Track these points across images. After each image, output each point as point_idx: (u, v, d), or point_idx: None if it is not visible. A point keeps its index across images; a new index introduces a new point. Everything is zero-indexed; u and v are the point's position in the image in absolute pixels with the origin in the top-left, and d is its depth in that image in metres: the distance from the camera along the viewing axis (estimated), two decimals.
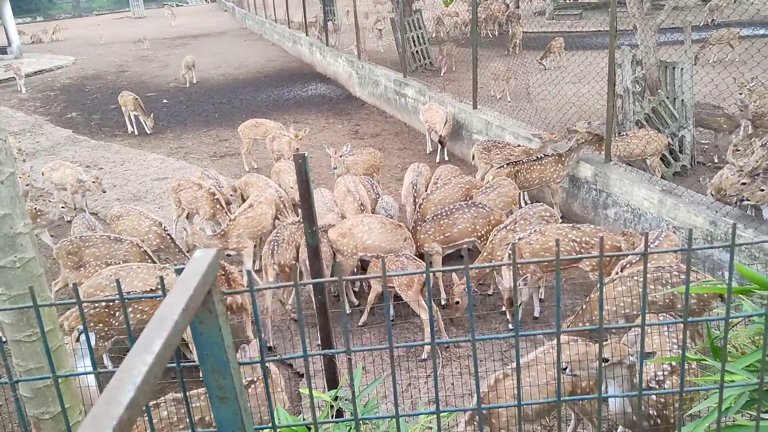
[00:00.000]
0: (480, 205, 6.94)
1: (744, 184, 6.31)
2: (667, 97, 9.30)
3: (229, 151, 13.13)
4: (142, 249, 6.73)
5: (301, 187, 2.86)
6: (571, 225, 6.14)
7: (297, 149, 10.24)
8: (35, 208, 7.75)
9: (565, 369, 3.65)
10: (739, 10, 19.42)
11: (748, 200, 6.10)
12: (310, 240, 2.95)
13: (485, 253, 6.37)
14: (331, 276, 6.38)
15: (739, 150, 7.98)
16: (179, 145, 13.74)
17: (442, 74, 15.77)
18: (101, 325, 5.44)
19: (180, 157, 12.91)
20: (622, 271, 5.39)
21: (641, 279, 4.96)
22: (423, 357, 5.86)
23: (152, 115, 14.69)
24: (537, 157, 8.31)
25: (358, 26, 16.91)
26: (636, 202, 7.27)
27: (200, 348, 1.10)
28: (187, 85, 19.47)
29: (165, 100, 18.04)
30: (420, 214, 7.40)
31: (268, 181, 8.30)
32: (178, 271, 1.04)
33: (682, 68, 9.16)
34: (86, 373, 1.45)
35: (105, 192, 9.43)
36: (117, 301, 5.50)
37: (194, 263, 1.04)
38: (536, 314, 6.34)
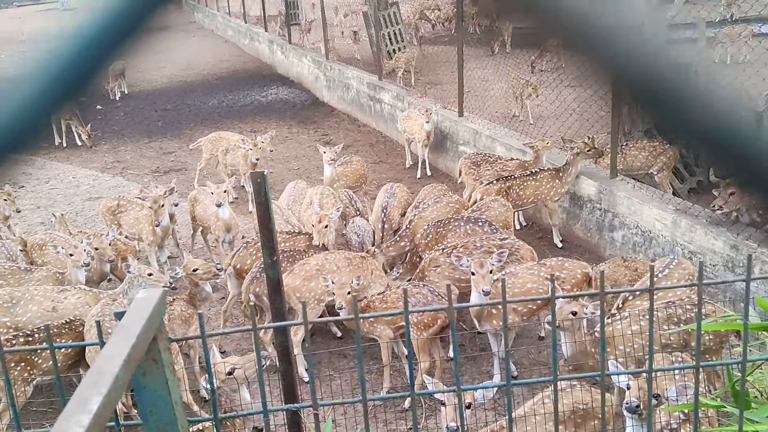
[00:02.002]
0: (481, 223, 7.14)
1: (732, 194, 6.61)
2: None
3: (175, 165, 13.09)
4: (57, 274, 6.75)
5: (260, 210, 2.88)
6: (536, 262, 6.30)
7: (257, 161, 10.24)
8: None
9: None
10: (760, 4, 19.94)
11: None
12: (270, 272, 2.95)
13: (416, 271, 6.71)
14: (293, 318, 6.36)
15: None
16: (116, 158, 13.66)
17: (413, 84, 15.30)
18: (23, 364, 5.37)
19: (116, 172, 12.83)
20: (623, 304, 5.49)
21: (657, 317, 5.05)
22: (405, 406, 5.86)
23: (89, 126, 14.49)
24: (531, 172, 8.43)
25: (326, 21, 17.05)
26: (646, 224, 7.41)
27: (143, 404, 1.11)
28: (117, 98, 18.95)
29: (99, 106, 17.93)
30: (411, 231, 7.52)
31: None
32: (119, 315, 1.05)
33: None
34: None
35: (19, 212, 9.23)
36: (41, 333, 5.46)
37: (137, 306, 1.05)
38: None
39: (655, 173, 8.80)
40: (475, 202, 8.07)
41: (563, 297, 5.00)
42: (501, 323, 5.56)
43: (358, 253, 6.88)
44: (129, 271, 6.40)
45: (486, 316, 5.73)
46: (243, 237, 9.22)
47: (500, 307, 5.62)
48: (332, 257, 6.57)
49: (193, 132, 15.24)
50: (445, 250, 6.63)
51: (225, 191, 8.19)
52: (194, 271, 6.33)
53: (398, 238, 7.61)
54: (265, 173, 2.95)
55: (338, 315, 5.87)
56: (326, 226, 7.16)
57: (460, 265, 5.68)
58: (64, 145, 14.52)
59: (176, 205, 8.72)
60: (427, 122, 11.03)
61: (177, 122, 16.27)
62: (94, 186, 12.19)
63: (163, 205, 7.82)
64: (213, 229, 8.28)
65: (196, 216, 8.62)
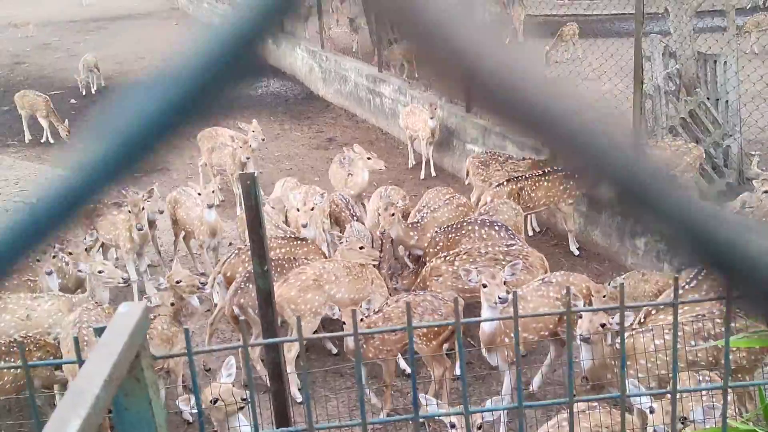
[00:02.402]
0: (498, 227, 7.20)
1: (766, 192, 6.80)
2: (708, 98, 9.54)
3: (156, 165, 13.02)
4: (28, 282, 6.83)
5: (250, 215, 2.89)
6: (541, 280, 6.22)
7: (247, 160, 10.28)
8: None
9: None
10: None
11: None
12: (261, 283, 2.97)
13: (418, 280, 6.79)
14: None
15: None
16: None
17: (415, 77, 15.28)
18: None
19: None
20: (645, 319, 5.50)
21: (683, 331, 5.07)
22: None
23: (66, 121, 14.44)
24: (543, 172, 8.44)
25: (321, 6, 17.10)
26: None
27: (124, 427, 1.12)
28: (85, 93, 18.55)
29: (73, 100, 17.95)
30: (422, 228, 7.67)
31: (197, 200, 8.36)
32: (98, 331, 1.06)
33: (725, 62, 9.42)
34: None
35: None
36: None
37: (118, 321, 1.07)
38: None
39: (678, 175, 8.78)
40: (484, 205, 8.08)
41: (579, 311, 5.01)
42: (513, 353, 5.55)
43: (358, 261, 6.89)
44: (80, 271, 6.48)
45: (500, 342, 5.62)
46: (230, 243, 9.25)
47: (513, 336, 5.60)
48: (330, 266, 6.58)
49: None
50: (447, 258, 6.65)
51: (213, 192, 8.22)
52: (177, 282, 6.35)
53: (411, 225, 7.71)
54: (255, 174, 2.96)
55: (334, 330, 5.90)
56: (312, 209, 7.51)
57: (469, 281, 5.57)
58: (44, 140, 14.45)
59: (161, 212, 8.69)
60: (431, 118, 11.04)
61: None
62: None
63: (143, 209, 7.85)
64: (197, 234, 8.28)
65: (177, 220, 8.61)
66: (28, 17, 30.85)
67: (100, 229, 8.03)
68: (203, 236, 8.19)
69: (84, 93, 18.50)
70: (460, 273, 5.77)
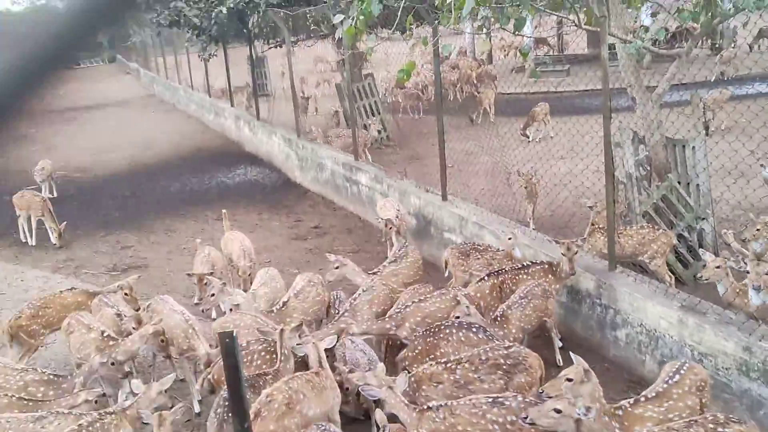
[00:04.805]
0: (475, 329, 7.13)
1: (718, 267, 7.47)
2: (679, 182, 9.69)
3: (135, 262, 13.00)
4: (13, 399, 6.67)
5: (230, 376, 2.85)
6: (487, 398, 5.88)
7: (224, 270, 10.28)
8: None
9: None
10: (762, 63, 20.35)
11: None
12: None
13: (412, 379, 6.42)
14: None
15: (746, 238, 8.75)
16: (68, 256, 13.55)
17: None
18: None
19: (69, 272, 12.69)
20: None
21: None
22: None
23: (64, 224, 14.15)
24: (523, 266, 8.46)
25: (296, 96, 17.35)
26: (651, 322, 7.41)
27: None
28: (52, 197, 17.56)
29: (50, 195, 17.87)
30: (401, 317, 7.66)
31: (174, 306, 8.28)
32: None
33: (693, 146, 9.60)
34: None
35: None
36: None
37: None
38: None
39: (647, 262, 8.88)
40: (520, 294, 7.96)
41: None
42: None
43: (312, 369, 6.61)
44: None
45: None
46: (211, 345, 9.10)
47: None
48: (294, 385, 6.26)
49: (153, 222, 15.23)
50: (449, 366, 6.46)
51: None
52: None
53: (387, 318, 7.66)
54: (234, 334, 2.93)
55: None
56: None
57: None
58: (33, 243, 14.15)
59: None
60: (396, 209, 11.40)
61: (136, 211, 16.25)
62: (45, 289, 11.98)
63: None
64: (175, 342, 8.11)
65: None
66: None
67: (72, 347, 7.85)
68: (179, 341, 8.03)
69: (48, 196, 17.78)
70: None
